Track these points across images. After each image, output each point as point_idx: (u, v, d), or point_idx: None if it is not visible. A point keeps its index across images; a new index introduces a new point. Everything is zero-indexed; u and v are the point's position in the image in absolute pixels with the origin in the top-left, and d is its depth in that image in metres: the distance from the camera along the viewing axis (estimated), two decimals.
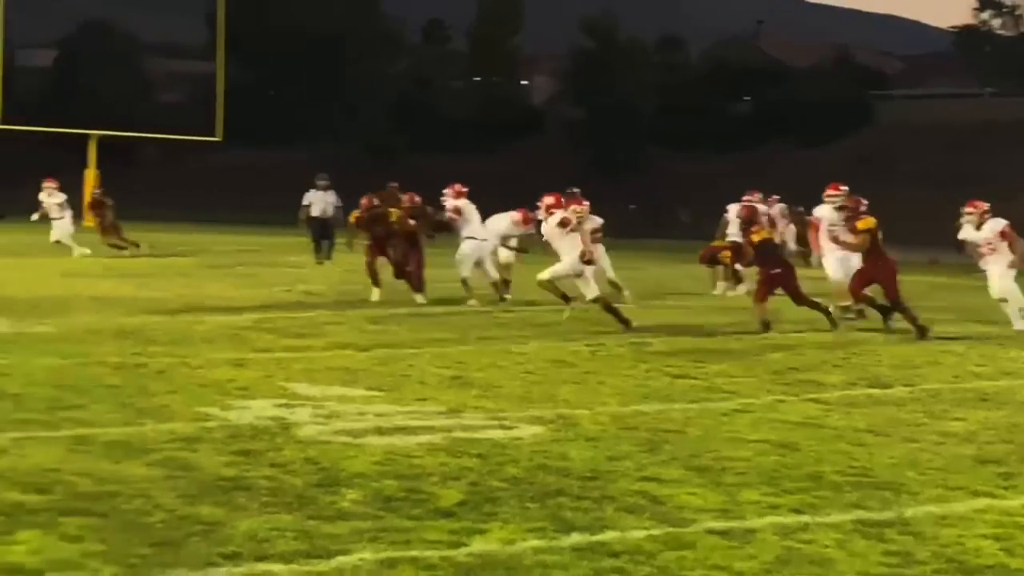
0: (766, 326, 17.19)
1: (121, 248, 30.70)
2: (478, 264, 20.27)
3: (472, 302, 19.81)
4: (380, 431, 9.67)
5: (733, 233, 24.08)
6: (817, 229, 18.92)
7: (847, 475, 8.64)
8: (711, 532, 7.10)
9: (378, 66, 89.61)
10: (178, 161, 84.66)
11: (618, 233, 26.01)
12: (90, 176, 52.85)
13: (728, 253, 21.13)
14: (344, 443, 9.15)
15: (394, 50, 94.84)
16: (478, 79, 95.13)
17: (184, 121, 62.26)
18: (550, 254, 17.67)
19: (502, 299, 20.14)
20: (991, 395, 12.50)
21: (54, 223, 30.23)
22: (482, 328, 17.07)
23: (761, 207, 23.11)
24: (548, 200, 17.52)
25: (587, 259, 16.95)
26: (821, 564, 6.63)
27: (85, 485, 7.73)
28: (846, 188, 18.97)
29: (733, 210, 24.34)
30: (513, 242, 20.72)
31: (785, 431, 10.18)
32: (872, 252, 17.47)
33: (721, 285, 23.71)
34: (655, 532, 7.05)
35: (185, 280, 24.01)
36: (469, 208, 20.62)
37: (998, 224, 17.62)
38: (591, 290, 17.10)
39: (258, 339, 15.26)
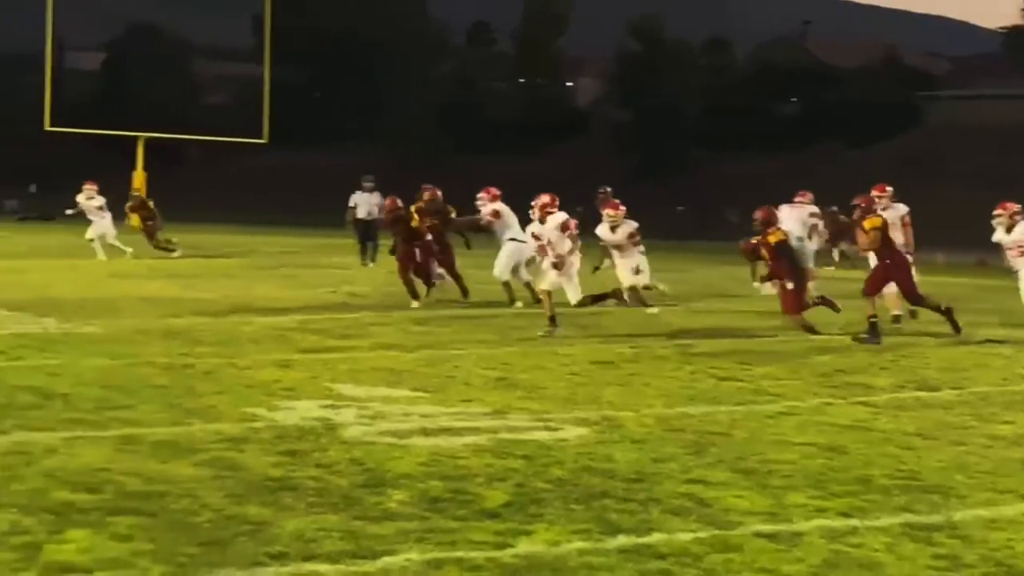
0: (810, 329, 17.17)
1: (170, 250, 30.83)
2: (516, 267, 20.21)
3: (517, 304, 19.80)
4: (425, 432, 9.67)
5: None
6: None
7: (895, 478, 8.59)
8: (758, 535, 7.07)
9: (423, 68, 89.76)
10: (224, 163, 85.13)
11: (666, 235, 26.00)
12: (138, 177, 53.13)
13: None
14: (389, 444, 9.16)
15: (439, 52, 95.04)
16: (523, 81, 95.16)
17: (231, 123, 62.58)
18: (541, 255, 17.58)
19: (537, 301, 20.04)
20: None
21: (93, 222, 30.20)
22: (526, 330, 17.06)
23: (812, 208, 22.95)
24: (543, 199, 17.36)
25: (555, 263, 16.85)
26: (869, 568, 6.59)
27: (134, 485, 7.77)
28: (891, 189, 18.85)
29: (785, 212, 24.27)
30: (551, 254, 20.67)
31: (832, 434, 10.13)
32: (884, 251, 17.30)
33: (761, 282, 23.65)
34: (701, 535, 7.03)
35: (231, 281, 24.13)
36: (507, 211, 20.57)
37: None
38: (575, 294, 16.90)
39: (304, 340, 15.31)
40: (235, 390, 11.42)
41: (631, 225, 19.48)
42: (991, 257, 32.21)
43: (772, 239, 17.51)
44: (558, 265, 16.83)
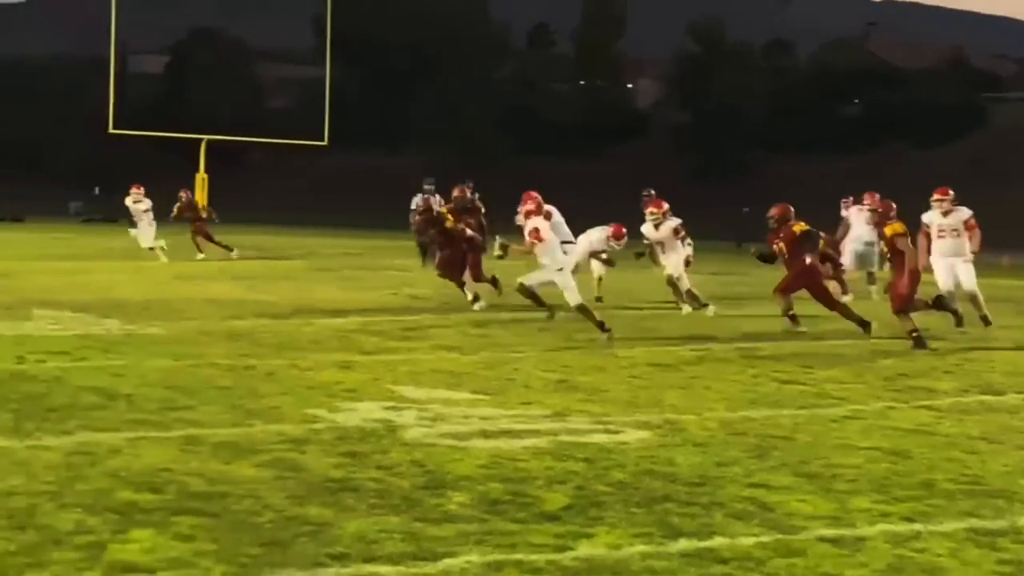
0: (792, 319, 17.31)
1: (228, 249, 30.92)
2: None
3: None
4: (485, 434, 9.67)
5: (852, 237, 23.86)
6: (927, 236, 18.58)
7: (960, 483, 8.51)
8: (822, 540, 7.02)
9: (484, 70, 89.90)
10: (286, 165, 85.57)
11: (726, 236, 25.86)
12: (200, 180, 53.56)
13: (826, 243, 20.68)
14: (450, 446, 9.17)
15: (500, 54, 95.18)
16: (583, 83, 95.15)
17: (291, 125, 62.95)
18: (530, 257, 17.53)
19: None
20: None
21: (140, 228, 30.29)
22: (587, 332, 17.03)
23: (864, 204, 22.78)
24: (529, 206, 17.29)
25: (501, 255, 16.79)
26: (933, 573, 6.53)
27: (196, 485, 7.82)
28: (952, 193, 18.65)
29: (855, 214, 24.15)
30: (603, 254, 20.65)
31: (896, 438, 10.05)
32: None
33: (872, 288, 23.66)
34: (764, 539, 6.99)
35: (293, 283, 24.24)
36: (555, 213, 20.44)
37: None
38: (574, 297, 16.82)
39: (365, 342, 15.36)
40: (297, 391, 11.46)
41: (674, 221, 19.56)
42: None
43: (797, 229, 17.43)
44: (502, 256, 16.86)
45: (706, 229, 31.29)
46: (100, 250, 32.75)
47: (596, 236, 20.52)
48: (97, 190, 76.30)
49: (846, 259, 24.13)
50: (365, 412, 10.44)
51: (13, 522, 6.87)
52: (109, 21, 51.57)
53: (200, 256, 30.52)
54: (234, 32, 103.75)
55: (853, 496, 8.06)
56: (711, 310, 19.41)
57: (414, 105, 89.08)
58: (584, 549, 6.71)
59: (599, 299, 20.89)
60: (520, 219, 17.56)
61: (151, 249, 29.66)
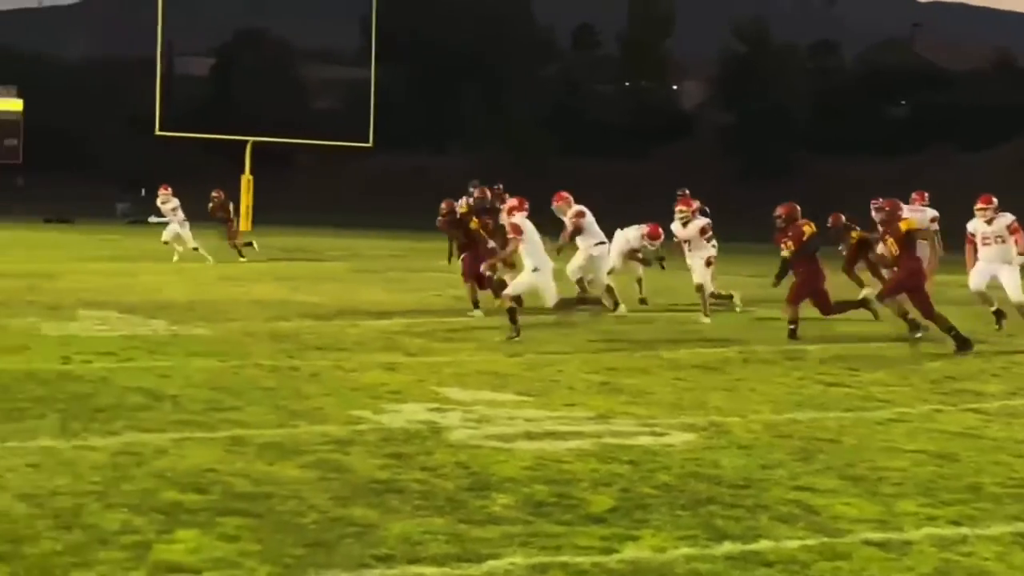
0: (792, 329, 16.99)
1: (240, 255, 30.87)
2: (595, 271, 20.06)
3: (621, 308, 19.71)
4: (530, 436, 9.67)
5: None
6: (973, 244, 18.41)
7: (1007, 487, 8.43)
8: (867, 543, 6.97)
9: (529, 71, 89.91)
10: (332, 167, 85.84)
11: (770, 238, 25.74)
12: (246, 182, 53.79)
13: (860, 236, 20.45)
14: (494, 448, 9.17)
15: (545, 55, 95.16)
16: (628, 84, 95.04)
17: (338, 127, 63.13)
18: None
19: (616, 305, 19.90)
20: None
21: (170, 227, 30.39)
22: (631, 334, 17.01)
23: (933, 212, 22.63)
24: (512, 202, 17.18)
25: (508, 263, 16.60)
26: None
27: (241, 485, 7.85)
28: (995, 201, 18.47)
29: (904, 212, 23.97)
30: (639, 254, 20.59)
31: (943, 441, 9.97)
32: (904, 259, 16.76)
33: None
34: (810, 542, 6.95)
35: (338, 284, 24.31)
36: (587, 213, 20.34)
37: None
38: (551, 296, 16.70)
39: (409, 343, 15.39)
40: (341, 393, 11.49)
41: (701, 221, 19.50)
42: None
43: (808, 230, 17.29)
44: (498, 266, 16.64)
45: (750, 230, 31.24)
46: (146, 251, 32.94)
47: (632, 234, 20.54)
48: (143, 192, 76.78)
49: None
50: (409, 413, 10.45)
51: (60, 522, 6.91)
52: (156, 23, 51.89)
53: (243, 260, 30.66)
54: (279, 33, 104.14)
55: (899, 499, 8.00)
56: (737, 299, 19.41)
57: (459, 106, 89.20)
58: (629, 551, 6.69)
59: (643, 301, 20.83)
60: (504, 217, 17.39)
61: (195, 249, 29.82)
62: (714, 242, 19.78)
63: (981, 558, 6.77)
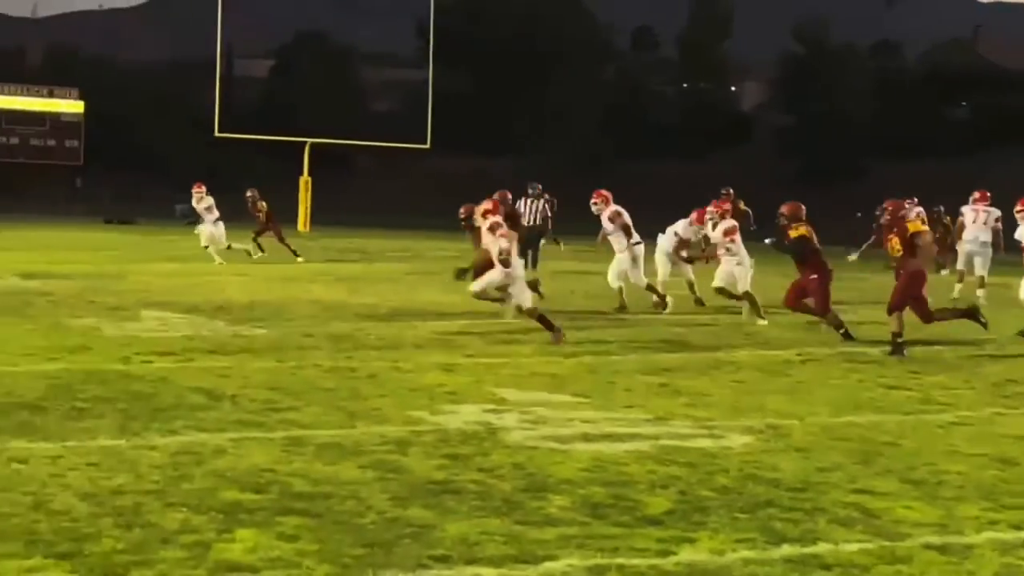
0: (847, 335, 16.71)
1: (262, 251, 30.71)
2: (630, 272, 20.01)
3: (668, 303, 19.69)
4: (587, 438, 9.66)
5: (969, 238, 23.54)
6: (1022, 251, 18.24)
7: None
8: (928, 547, 6.92)
9: (587, 72, 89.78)
10: (390, 168, 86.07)
11: (835, 241, 25.54)
12: (304, 183, 54.03)
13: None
14: (551, 449, 9.16)
15: (603, 57, 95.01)
16: (686, 85, 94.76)
17: (395, 128, 63.29)
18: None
19: (664, 305, 19.83)
20: None
21: (207, 227, 30.48)
22: (688, 335, 16.96)
23: (996, 212, 22.45)
24: (485, 205, 17.13)
25: (503, 259, 16.34)
26: None
27: (300, 485, 7.88)
28: None
29: (967, 213, 23.80)
30: (684, 252, 20.47)
31: (1005, 445, 9.88)
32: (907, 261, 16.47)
33: (958, 287, 23.38)
34: (869, 546, 6.91)
35: (396, 286, 24.37)
36: (624, 214, 20.28)
37: None
38: (525, 299, 16.58)
39: (467, 344, 15.40)
40: (399, 393, 11.52)
41: (727, 223, 19.41)
42: None
43: (793, 234, 17.14)
44: (505, 262, 16.40)
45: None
46: (205, 252, 33.09)
47: (680, 225, 20.52)
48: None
49: (960, 260, 23.86)
50: (467, 414, 10.47)
51: (120, 521, 6.97)
52: (216, 25, 52.22)
53: (300, 259, 30.76)
54: (338, 35, 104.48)
55: (960, 503, 7.94)
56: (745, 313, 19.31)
57: (517, 107, 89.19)
58: (686, 554, 6.67)
59: (699, 302, 20.72)
60: (477, 221, 17.24)
61: (229, 247, 29.88)
62: (738, 246, 19.55)
63: None
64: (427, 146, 56.37)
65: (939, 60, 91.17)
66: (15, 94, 72.77)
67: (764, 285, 19.95)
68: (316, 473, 8.22)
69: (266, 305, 19.35)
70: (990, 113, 79.68)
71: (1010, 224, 21.07)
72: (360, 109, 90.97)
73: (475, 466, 8.55)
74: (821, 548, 6.85)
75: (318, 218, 53.53)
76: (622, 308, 19.85)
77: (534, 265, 29.94)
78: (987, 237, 22.09)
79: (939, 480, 8.57)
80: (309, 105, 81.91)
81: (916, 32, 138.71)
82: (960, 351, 16.05)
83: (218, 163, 67.59)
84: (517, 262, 16.65)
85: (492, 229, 16.47)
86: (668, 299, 19.84)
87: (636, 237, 19.96)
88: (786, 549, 6.81)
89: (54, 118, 72.67)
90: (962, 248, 23.81)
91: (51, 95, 73.51)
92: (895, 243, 15.95)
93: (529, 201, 30.73)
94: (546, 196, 31.51)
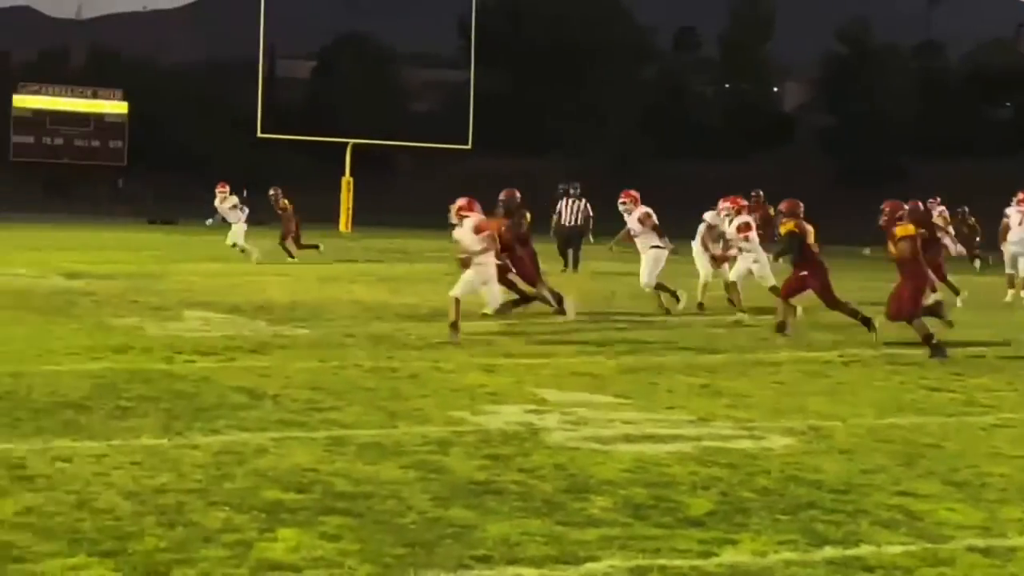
0: (782, 327, 16.82)
1: (289, 254, 30.70)
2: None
3: (681, 304, 19.64)
4: (628, 438, 9.65)
5: (1014, 240, 23.39)
6: None
7: None
8: (971, 549, 6.88)
9: (629, 72, 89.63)
10: (432, 169, 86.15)
11: (876, 241, 25.46)
12: (346, 183, 54.15)
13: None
14: (592, 450, 9.16)
15: (645, 57, 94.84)
16: (728, 86, 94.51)
17: (436, 129, 63.35)
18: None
19: (667, 311, 19.75)
20: None
21: (232, 227, 30.56)
22: (730, 336, 16.92)
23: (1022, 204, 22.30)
24: (460, 203, 16.79)
25: (463, 258, 16.24)
26: None
27: (341, 485, 7.90)
28: None
29: (1013, 215, 23.68)
30: (713, 246, 20.33)
31: None
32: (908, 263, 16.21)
33: (1010, 293, 23.28)
34: (912, 548, 6.88)
35: (436, 286, 24.35)
36: (652, 215, 20.16)
37: None
38: (494, 299, 16.49)
39: (508, 345, 15.41)
40: (440, 394, 11.54)
41: (741, 219, 19.35)
42: None
43: (783, 229, 17.13)
44: (466, 264, 16.32)
45: (850, 234, 30.90)
46: (241, 253, 33.20)
47: (709, 215, 20.37)
48: (245, 193, 77.57)
49: (1006, 259, 23.77)
50: (508, 415, 10.48)
51: (163, 519, 7.01)
52: (258, 27, 52.40)
53: (321, 249, 30.87)
54: (380, 36, 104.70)
55: (1003, 505, 7.90)
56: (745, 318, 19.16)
57: (559, 107, 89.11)
58: (728, 555, 6.66)
59: (731, 301, 20.60)
60: (453, 219, 17.13)
61: (241, 247, 29.92)
62: (753, 243, 19.45)
63: None
64: (468, 147, 56.42)
65: (981, 60, 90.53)
66: (60, 95, 73.34)
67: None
68: (358, 473, 8.24)
69: (307, 305, 19.41)
70: None
71: None
72: (401, 110, 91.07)
73: (516, 466, 8.56)
74: (864, 550, 6.82)
75: (359, 219, 53.62)
76: (674, 302, 19.77)
77: (575, 266, 29.95)
78: None
79: (982, 482, 8.52)
80: (350, 106, 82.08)
81: (959, 32, 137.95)
82: (1004, 352, 15.96)
83: (260, 164, 67.86)
84: (489, 263, 16.50)
85: (478, 230, 16.34)
86: (670, 306, 19.70)
87: (666, 240, 19.86)
88: (828, 551, 6.78)
89: (98, 119, 73.22)
90: (1007, 249, 23.67)
91: (95, 96, 74.05)
92: (890, 245, 15.93)
93: (570, 201, 30.75)
94: (576, 187, 31.37)
